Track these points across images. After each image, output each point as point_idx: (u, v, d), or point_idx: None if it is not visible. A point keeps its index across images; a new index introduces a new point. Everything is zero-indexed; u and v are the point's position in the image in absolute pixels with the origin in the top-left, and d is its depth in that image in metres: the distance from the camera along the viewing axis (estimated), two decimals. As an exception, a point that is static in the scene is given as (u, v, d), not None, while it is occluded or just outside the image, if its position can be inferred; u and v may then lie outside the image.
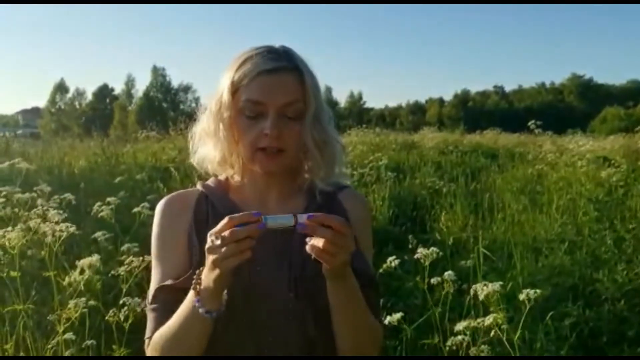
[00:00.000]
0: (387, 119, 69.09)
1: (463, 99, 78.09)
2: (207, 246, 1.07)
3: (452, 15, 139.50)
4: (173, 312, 1.18)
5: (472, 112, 70.44)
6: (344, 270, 1.12)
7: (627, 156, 9.63)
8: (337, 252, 1.05)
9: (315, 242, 1.06)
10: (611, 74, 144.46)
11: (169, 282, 1.23)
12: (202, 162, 1.35)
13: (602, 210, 4.75)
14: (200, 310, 1.12)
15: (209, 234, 1.07)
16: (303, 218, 1.06)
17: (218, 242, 1.04)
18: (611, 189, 6.46)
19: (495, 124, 22.22)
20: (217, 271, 1.06)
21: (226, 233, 1.03)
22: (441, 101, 79.24)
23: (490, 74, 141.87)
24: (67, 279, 2.34)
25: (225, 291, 1.14)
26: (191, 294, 1.14)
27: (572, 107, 73.26)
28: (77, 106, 69.06)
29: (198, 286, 1.12)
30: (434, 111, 74.40)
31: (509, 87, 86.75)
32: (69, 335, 2.32)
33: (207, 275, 1.09)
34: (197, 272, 1.14)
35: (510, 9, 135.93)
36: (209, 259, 1.07)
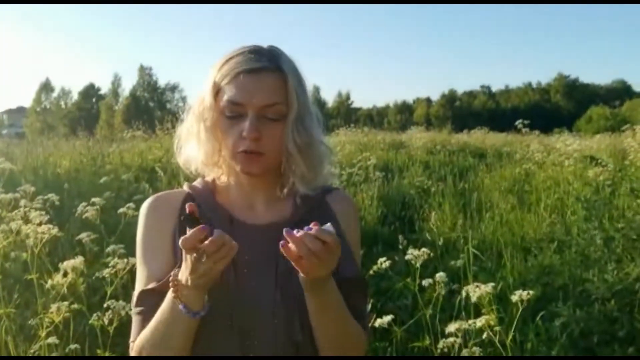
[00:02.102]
0: (375, 118, 69.18)
1: (450, 98, 78.27)
2: (190, 263, 1.06)
3: (439, 15, 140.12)
4: None
5: (460, 111, 70.68)
6: (324, 283, 1.12)
7: (613, 155, 9.67)
8: (321, 266, 1.05)
9: (297, 244, 1.04)
10: (597, 74, 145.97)
11: (152, 285, 1.20)
12: (187, 163, 1.33)
13: (590, 209, 4.74)
14: (183, 311, 1.10)
15: (182, 245, 1.05)
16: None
17: (204, 258, 1.03)
18: (598, 188, 6.47)
19: (482, 124, 22.29)
20: (204, 280, 1.07)
21: (205, 244, 1.03)
22: (428, 101, 79.41)
23: (477, 74, 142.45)
24: (49, 281, 2.28)
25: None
26: (171, 294, 1.12)
27: (558, 107, 73.70)
28: (63, 106, 68.57)
29: (177, 287, 1.11)
30: (421, 111, 74.57)
31: (495, 87, 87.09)
32: (52, 340, 2.26)
33: (186, 277, 1.08)
34: (173, 273, 1.12)
35: (496, 10, 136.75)
36: (194, 272, 1.06)
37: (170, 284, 1.11)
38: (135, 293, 1.23)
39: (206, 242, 1.02)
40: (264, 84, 1.19)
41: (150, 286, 1.20)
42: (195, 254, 1.04)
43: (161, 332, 1.14)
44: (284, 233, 1.04)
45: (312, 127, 1.27)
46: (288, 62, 1.24)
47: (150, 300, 1.19)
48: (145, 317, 1.19)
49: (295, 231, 1.04)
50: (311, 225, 1.05)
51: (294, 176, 1.28)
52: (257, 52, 1.22)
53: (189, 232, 1.03)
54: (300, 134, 1.23)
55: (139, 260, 1.27)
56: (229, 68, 1.20)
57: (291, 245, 1.04)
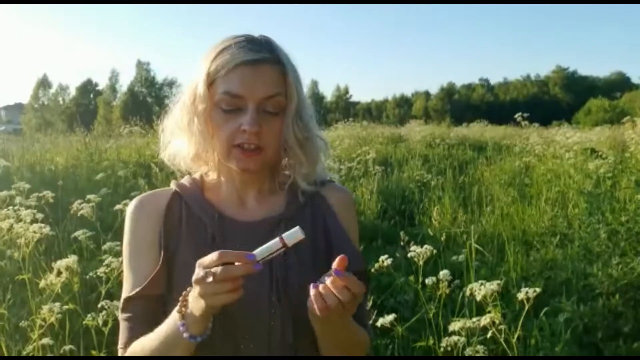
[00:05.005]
0: (374, 112, 69.04)
1: (449, 92, 78.05)
2: (195, 277, 0.99)
3: (437, 9, 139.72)
4: (145, 321, 1.15)
5: (458, 105, 70.50)
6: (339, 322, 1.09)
7: (613, 148, 9.65)
8: (344, 313, 1.03)
9: (324, 294, 1.00)
10: (595, 66, 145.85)
11: (136, 290, 1.17)
12: (173, 158, 1.28)
13: (592, 202, 4.69)
14: (185, 335, 1.05)
15: (197, 264, 1.00)
16: (292, 237, 1.01)
17: (210, 279, 0.97)
18: (599, 181, 6.44)
19: (481, 117, 22.23)
20: (203, 303, 1.00)
21: (218, 269, 0.97)
22: (427, 94, 79.16)
23: (475, 67, 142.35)
24: (42, 281, 2.22)
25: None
26: (176, 315, 1.07)
27: (557, 100, 73.51)
28: (61, 102, 68.27)
29: (184, 309, 1.05)
30: (420, 104, 74.33)
31: (494, 80, 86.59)
32: (46, 341, 2.21)
33: (194, 304, 1.03)
34: (184, 293, 1.06)
35: (494, 3, 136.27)
36: (196, 289, 1.00)
37: (180, 300, 1.06)
38: (121, 299, 1.20)
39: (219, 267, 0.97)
40: (265, 75, 1.15)
41: (134, 292, 1.17)
42: (202, 272, 0.98)
43: (160, 347, 1.10)
44: (310, 288, 1.01)
45: (310, 120, 1.24)
46: (284, 53, 1.20)
47: (136, 306, 1.17)
48: (133, 324, 1.17)
49: (322, 279, 1.01)
50: (331, 272, 1.00)
51: (293, 172, 1.25)
52: (254, 42, 1.18)
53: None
54: (299, 127, 1.20)
55: (125, 265, 1.23)
56: (225, 59, 1.15)
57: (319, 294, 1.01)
